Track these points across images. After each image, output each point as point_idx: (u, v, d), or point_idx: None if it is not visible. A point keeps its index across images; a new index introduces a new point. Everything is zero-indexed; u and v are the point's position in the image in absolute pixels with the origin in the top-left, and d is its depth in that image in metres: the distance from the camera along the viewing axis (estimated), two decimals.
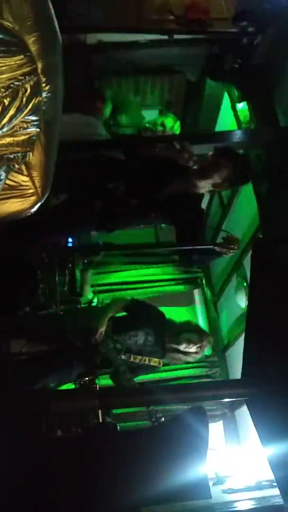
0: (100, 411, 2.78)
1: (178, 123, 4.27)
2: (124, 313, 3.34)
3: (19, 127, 1.72)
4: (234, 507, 1.95)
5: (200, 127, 4.81)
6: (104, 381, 3.39)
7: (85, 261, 4.72)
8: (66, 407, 1.18)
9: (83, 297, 2.95)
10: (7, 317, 3.38)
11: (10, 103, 1.60)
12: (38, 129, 1.76)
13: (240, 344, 3.83)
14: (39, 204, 2.02)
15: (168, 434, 2.03)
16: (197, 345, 3.20)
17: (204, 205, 3.19)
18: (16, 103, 1.62)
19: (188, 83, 4.56)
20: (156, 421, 2.83)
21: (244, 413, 4.22)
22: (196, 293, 5.56)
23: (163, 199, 2.82)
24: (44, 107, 1.69)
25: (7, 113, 1.62)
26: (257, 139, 3.61)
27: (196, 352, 3.25)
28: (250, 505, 2.03)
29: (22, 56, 1.58)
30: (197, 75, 4.38)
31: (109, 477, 1.61)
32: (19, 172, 1.89)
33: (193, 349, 3.22)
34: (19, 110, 1.64)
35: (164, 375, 4.54)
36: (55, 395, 1.21)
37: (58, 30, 1.64)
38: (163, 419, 2.82)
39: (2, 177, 1.81)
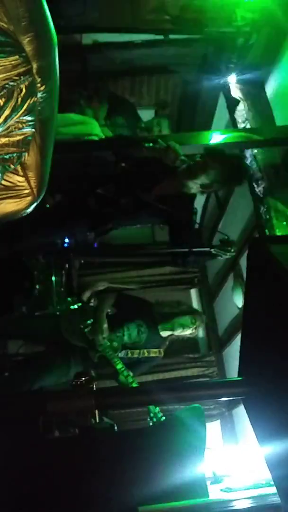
0: (97, 411, 2.78)
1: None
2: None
3: (15, 128, 1.71)
4: (232, 506, 1.96)
5: (196, 127, 4.81)
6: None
7: (82, 261, 4.72)
8: (63, 407, 1.17)
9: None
10: (3, 318, 3.38)
11: (5, 103, 1.60)
12: (33, 130, 1.75)
13: (236, 343, 3.84)
14: (35, 205, 2.02)
15: (166, 434, 2.04)
16: (192, 328, 3.24)
17: (200, 205, 3.19)
18: (11, 104, 1.61)
19: (184, 83, 4.57)
20: (157, 421, 2.83)
21: (241, 413, 4.23)
22: (193, 292, 5.57)
23: (152, 198, 2.82)
24: (39, 108, 1.69)
25: (2, 114, 1.61)
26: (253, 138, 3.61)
27: (191, 334, 3.30)
28: (247, 504, 2.03)
29: (17, 57, 1.57)
30: (193, 75, 4.39)
31: (106, 476, 1.61)
32: (15, 172, 1.89)
33: (188, 332, 3.25)
34: (14, 110, 1.63)
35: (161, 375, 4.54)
36: (52, 395, 1.21)
37: (53, 30, 1.63)
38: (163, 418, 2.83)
39: None
